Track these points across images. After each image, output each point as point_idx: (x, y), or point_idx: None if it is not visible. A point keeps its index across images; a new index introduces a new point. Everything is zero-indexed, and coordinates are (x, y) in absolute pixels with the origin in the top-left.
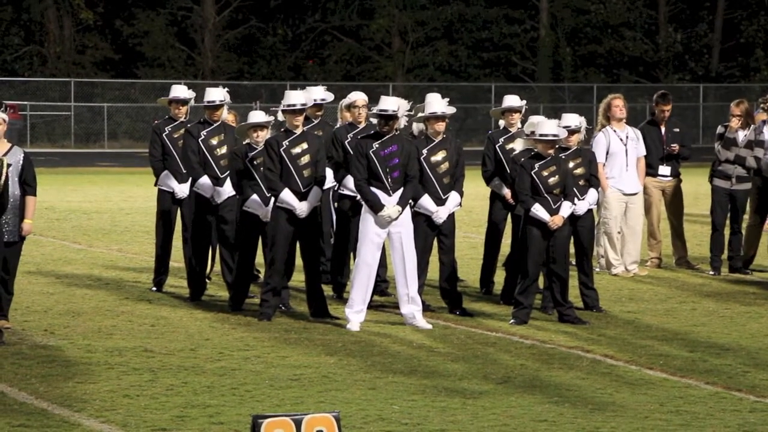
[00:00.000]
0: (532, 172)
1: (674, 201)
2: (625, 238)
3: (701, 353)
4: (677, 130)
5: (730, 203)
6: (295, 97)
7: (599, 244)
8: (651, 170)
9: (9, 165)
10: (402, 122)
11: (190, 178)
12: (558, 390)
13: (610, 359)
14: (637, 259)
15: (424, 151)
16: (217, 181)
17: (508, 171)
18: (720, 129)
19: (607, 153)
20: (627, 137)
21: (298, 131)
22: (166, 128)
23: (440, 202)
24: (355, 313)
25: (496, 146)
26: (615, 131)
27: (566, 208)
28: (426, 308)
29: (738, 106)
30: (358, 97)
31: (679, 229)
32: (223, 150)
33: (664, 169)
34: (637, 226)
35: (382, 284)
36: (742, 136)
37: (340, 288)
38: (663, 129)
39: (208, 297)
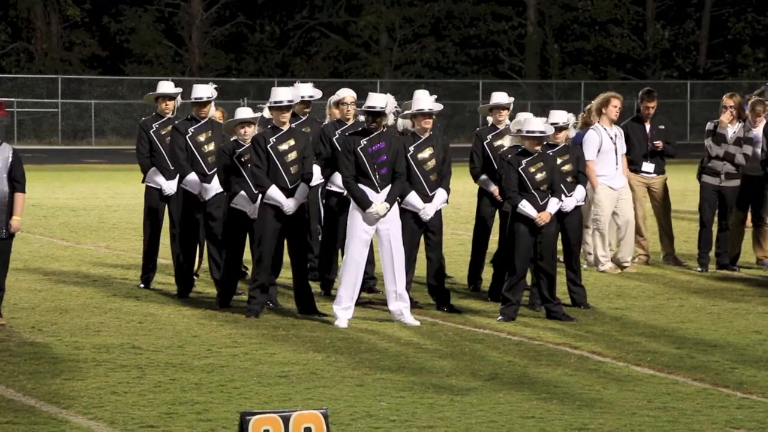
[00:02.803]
0: (520, 169)
1: (660, 198)
2: (621, 231)
3: (689, 350)
4: (662, 127)
5: (719, 200)
6: (282, 94)
7: (586, 241)
8: (634, 167)
9: None
10: (390, 119)
11: (178, 175)
12: (546, 386)
13: (598, 356)
14: (632, 252)
15: (411, 148)
16: (205, 178)
17: (496, 168)
18: (709, 125)
19: (599, 151)
20: (615, 136)
21: (285, 128)
22: (153, 125)
23: (427, 199)
24: (343, 309)
25: (484, 143)
26: (605, 129)
27: (553, 205)
28: (414, 305)
29: (731, 98)
30: (347, 93)
31: (667, 226)
32: (211, 147)
33: (648, 166)
34: (631, 216)
35: (370, 281)
36: (731, 132)
37: (327, 285)
38: (648, 126)
39: (195, 294)
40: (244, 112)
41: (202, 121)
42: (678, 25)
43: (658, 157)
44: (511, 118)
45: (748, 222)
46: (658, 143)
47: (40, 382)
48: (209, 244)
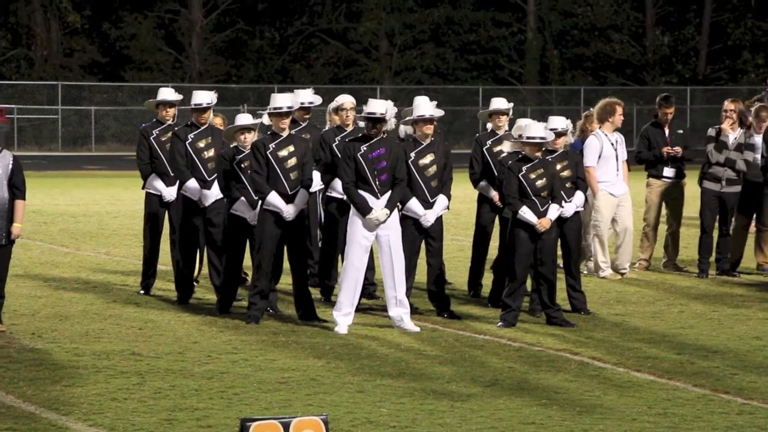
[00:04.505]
0: (520, 175)
1: (676, 203)
2: (619, 238)
3: (689, 355)
4: (681, 131)
5: (720, 206)
6: (281, 100)
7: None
8: (655, 171)
9: None
10: (390, 124)
11: (178, 181)
12: (546, 392)
13: (598, 362)
14: (630, 259)
15: (412, 155)
16: (205, 184)
17: (496, 174)
18: (711, 131)
19: (599, 157)
20: (617, 142)
21: (285, 134)
22: (153, 131)
23: (428, 205)
24: (343, 316)
25: (484, 149)
26: (606, 135)
27: (554, 211)
28: (414, 311)
29: (733, 102)
30: (346, 100)
31: (676, 231)
32: (211, 153)
33: (669, 171)
34: (629, 224)
35: (370, 287)
36: (732, 138)
37: (327, 291)
38: (667, 131)
39: (195, 300)
40: (243, 119)
41: (202, 128)
42: (677, 31)
43: (679, 162)
44: (511, 124)
45: (752, 227)
46: (678, 150)
47: (40, 389)
48: (209, 250)
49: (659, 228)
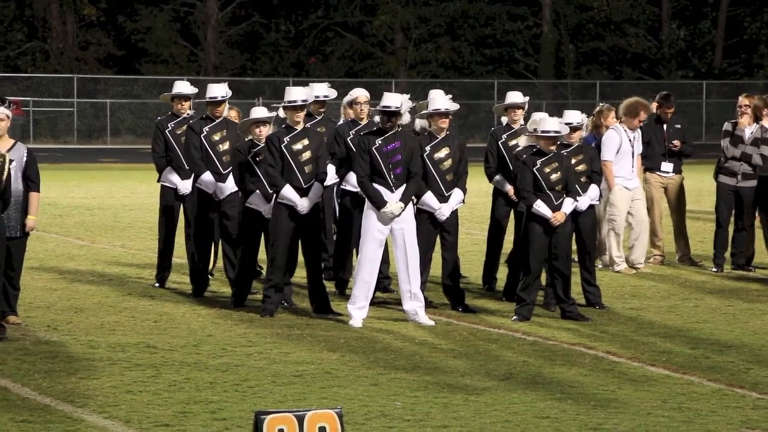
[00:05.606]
0: (534, 169)
1: (676, 198)
2: (635, 232)
3: (704, 350)
4: (679, 126)
5: (735, 200)
6: (296, 94)
7: (605, 241)
8: (653, 166)
9: (12, 161)
10: (405, 118)
11: (193, 174)
12: (560, 387)
13: (613, 356)
14: (645, 254)
15: (428, 148)
16: (220, 177)
17: (511, 168)
18: (727, 126)
19: (617, 152)
20: (634, 138)
21: (299, 127)
22: (168, 124)
23: (443, 199)
24: (358, 309)
25: (499, 143)
26: (625, 131)
27: (568, 205)
28: (428, 305)
29: (747, 98)
30: (360, 93)
31: (682, 226)
32: (226, 146)
33: (666, 166)
34: (645, 216)
35: (385, 281)
36: (748, 133)
37: (342, 284)
38: (665, 126)
39: (210, 293)
40: (259, 112)
41: (217, 121)
42: (694, 25)
43: (676, 157)
44: (526, 118)
45: (758, 222)
46: (676, 143)
47: (55, 381)
48: (224, 244)
49: (666, 223)
